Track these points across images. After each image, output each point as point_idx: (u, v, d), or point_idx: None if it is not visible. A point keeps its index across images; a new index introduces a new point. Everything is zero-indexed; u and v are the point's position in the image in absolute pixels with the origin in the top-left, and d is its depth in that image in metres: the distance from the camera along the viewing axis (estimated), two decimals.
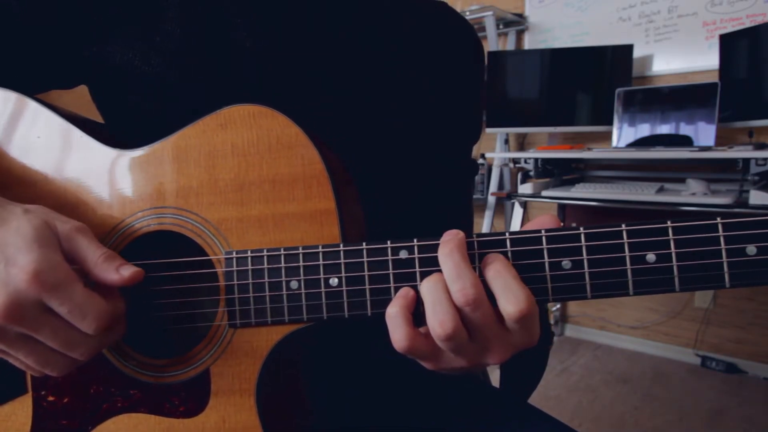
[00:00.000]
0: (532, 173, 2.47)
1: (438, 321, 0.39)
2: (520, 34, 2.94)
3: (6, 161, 0.51)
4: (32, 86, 0.55)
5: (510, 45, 2.94)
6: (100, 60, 0.54)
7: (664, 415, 2.09)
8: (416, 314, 0.41)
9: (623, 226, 0.38)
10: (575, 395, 2.25)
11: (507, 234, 0.40)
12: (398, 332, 0.40)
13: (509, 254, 0.40)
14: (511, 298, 0.38)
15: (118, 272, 0.42)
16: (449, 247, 0.40)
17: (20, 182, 0.50)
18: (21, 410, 0.50)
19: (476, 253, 0.41)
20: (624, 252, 0.38)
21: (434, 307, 0.39)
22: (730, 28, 2.26)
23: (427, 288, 0.40)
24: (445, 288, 0.40)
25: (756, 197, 1.83)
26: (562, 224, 0.41)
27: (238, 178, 0.47)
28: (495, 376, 0.67)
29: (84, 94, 0.61)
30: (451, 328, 0.38)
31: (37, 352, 0.41)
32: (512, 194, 2.50)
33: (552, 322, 2.93)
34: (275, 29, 0.56)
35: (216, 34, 0.54)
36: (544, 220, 0.42)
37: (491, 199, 2.89)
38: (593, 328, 2.88)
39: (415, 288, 0.42)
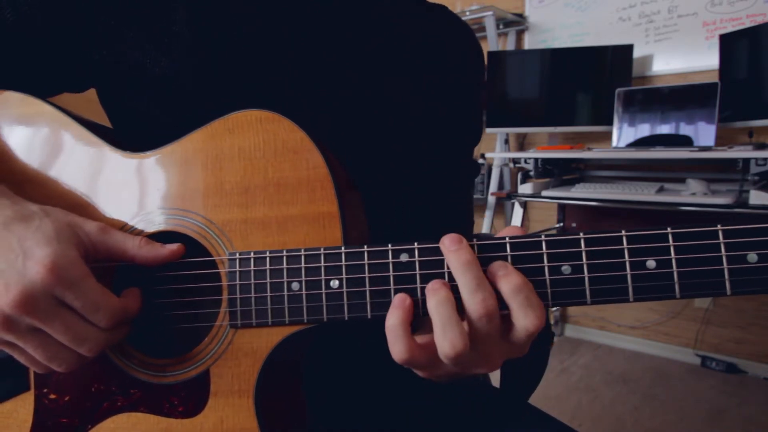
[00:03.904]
0: (532, 173, 2.47)
1: (449, 342, 0.38)
2: (520, 34, 2.94)
3: (19, 161, 0.52)
4: (44, 89, 0.56)
5: (510, 45, 2.94)
6: (110, 62, 0.55)
7: (664, 415, 2.09)
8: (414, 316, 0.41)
9: (623, 231, 0.38)
10: (575, 395, 2.26)
11: (507, 238, 0.40)
12: (398, 345, 0.40)
13: (509, 258, 0.40)
14: (530, 314, 0.38)
15: (164, 248, 0.46)
16: (467, 258, 0.39)
17: (32, 182, 0.51)
18: (23, 407, 0.50)
19: (476, 257, 0.41)
20: (624, 258, 0.38)
21: (444, 327, 0.39)
22: (730, 28, 2.26)
23: (436, 306, 0.39)
24: (453, 306, 0.39)
25: (756, 197, 1.83)
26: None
27: (243, 181, 0.47)
28: (495, 376, 0.67)
29: (84, 95, 0.61)
30: (461, 347, 0.38)
31: (45, 345, 0.41)
32: (512, 194, 2.50)
33: (552, 322, 2.93)
34: (279, 33, 0.56)
35: (222, 36, 0.55)
36: (511, 231, 0.41)
37: (491, 199, 2.90)
38: (593, 328, 2.89)
39: (412, 293, 0.42)
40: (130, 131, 0.58)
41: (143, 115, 0.56)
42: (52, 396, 0.50)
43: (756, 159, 1.86)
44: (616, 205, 2.17)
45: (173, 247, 0.47)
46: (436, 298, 0.40)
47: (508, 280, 0.38)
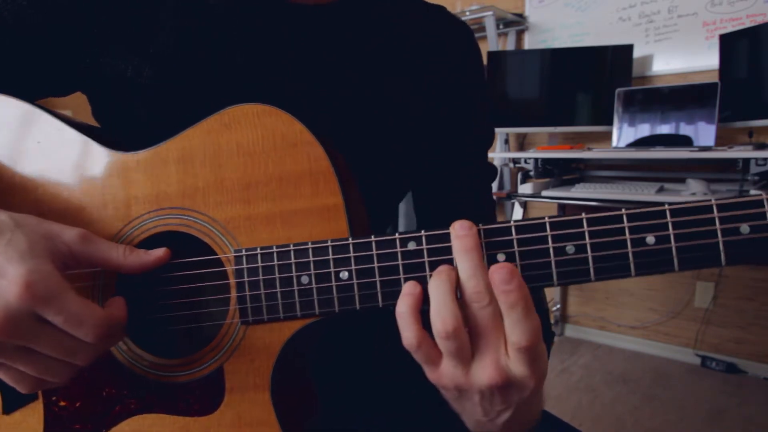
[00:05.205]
0: (532, 173, 2.47)
1: (440, 319, 0.39)
2: (520, 34, 2.94)
3: (7, 165, 0.50)
4: (30, 93, 0.54)
5: (510, 45, 2.95)
6: (95, 72, 0.54)
7: (664, 415, 2.09)
8: (425, 312, 0.41)
9: (623, 210, 0.39)
10: (575, 395, 2.26)
11: (512, 222, 0.41)
12: (408, 331, 0.40)
13: (515, 242, 0.41)
14: (519, 329, 0.38)
15: (149, 255, 0.45)
16: (469, 245, 0.40)
17: (22, 186, 0.50)
18: (32, 416, 0.49)
19: (482, 242, 0.41)
20: (625, 236, 0.39)
21: (438, 306, 0.39)
22: (730, 28, 2.26)
23: (435, 286, 0.40)
24: (452, 286, 0.40)
25: None
26: None
27: (244, 176, 0.47)
28: None
29: (76, 96, 0.60)
30: (451, 325, 0.38)
31: (35, 361, 0.40)
32: (512, 194, 2.50)
33: (552, 322, 2.94)
34: (278, 33, 0.56)
35: (207, 44, 0.54)
36: None
37: None
38: (593, 328, 2.89)
39: (423, 281, 0.42)
40: (122, 132, 0.57)
41: (136, 119, 0.55)
42: (62, 403, 0.49)
43: (756, 159, 1.86)
44: (616, 205, 2.17)
45: (159, 252, 0.46)
46: (436, 277, 0.41)
47: (506, 298, 0.39)
